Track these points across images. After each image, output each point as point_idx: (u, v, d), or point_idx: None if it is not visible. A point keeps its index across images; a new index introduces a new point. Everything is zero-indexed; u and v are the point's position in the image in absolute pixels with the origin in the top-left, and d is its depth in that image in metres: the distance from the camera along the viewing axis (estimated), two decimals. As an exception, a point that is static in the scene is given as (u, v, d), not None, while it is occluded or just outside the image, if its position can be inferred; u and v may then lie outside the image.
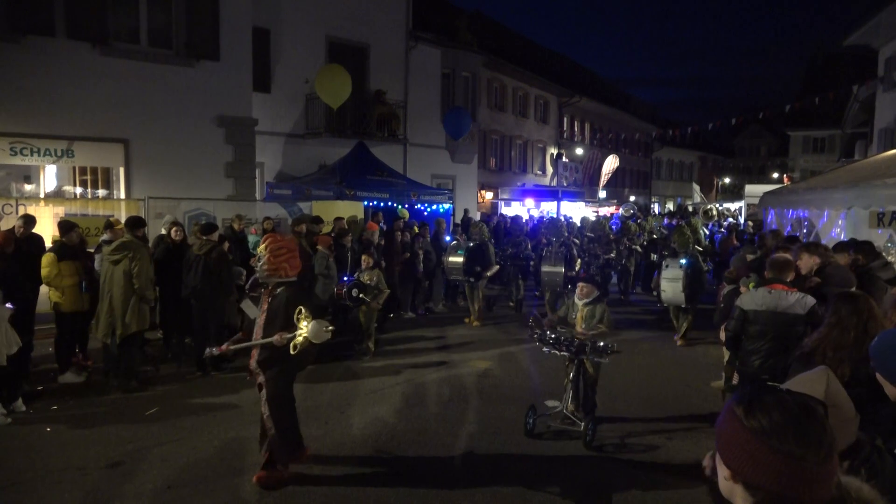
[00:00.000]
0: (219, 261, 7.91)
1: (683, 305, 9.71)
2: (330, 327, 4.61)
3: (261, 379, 4.80)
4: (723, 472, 1.41)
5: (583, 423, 5.73)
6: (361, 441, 5.79)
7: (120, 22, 11.96)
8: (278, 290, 4.78)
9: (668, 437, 6.01)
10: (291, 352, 4.55)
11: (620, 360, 8.00)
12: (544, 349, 5.96)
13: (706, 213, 21.14)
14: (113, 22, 11.79)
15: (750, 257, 7.60)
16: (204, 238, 8.00)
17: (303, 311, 4.59)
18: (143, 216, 10.33)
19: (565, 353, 5.94)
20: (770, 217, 12.25)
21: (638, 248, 14.56)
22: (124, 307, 6.95)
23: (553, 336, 5.94)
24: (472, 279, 11.24)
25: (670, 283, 9.61)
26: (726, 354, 6.81)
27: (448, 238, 12.84)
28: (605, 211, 28.09)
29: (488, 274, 11.44)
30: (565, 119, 35.31)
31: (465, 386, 7.55)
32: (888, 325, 3.76)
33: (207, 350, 5.08)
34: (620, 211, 24.46)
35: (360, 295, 8.46)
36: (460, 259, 11.14)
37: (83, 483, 4.84)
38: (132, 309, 6.99)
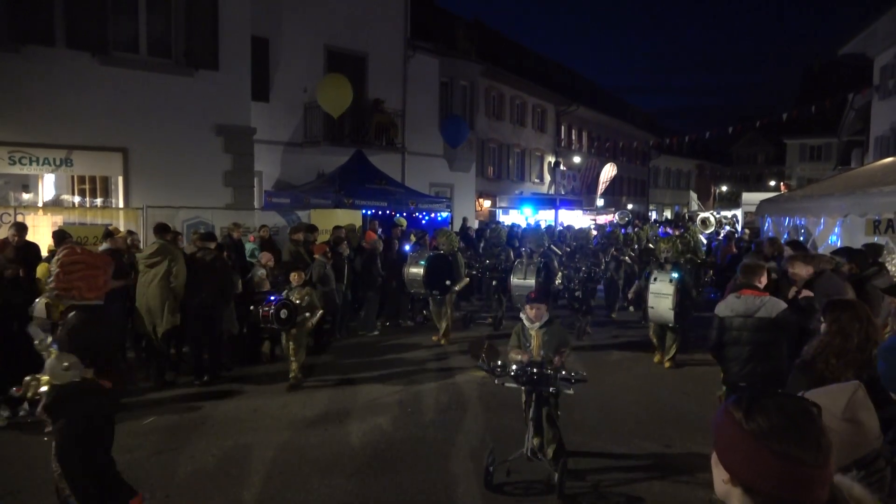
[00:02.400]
0: (218, 269, 7.96)
1: (671, 325, 8.66)
2: (66, 364, 3.52)
3: (49, 428, 3.72)
4: (721, 475, 1.41)
5: (551, 469, 4.88)
6: (360, 449, 5.78)
7: (119, 31, 12.01)
8: (70, 314, 3.79)
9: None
10: (27, 396, 3.61)
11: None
12: (496, 381, 5.07)
13: (704, 221, 21.00)
14: (112, 31, 11.83)
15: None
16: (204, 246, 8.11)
17: (41, 341, 3.59)
18: (141, 225, 10.39)
19: (522, 387, 5.01)
20: (767, 225, 12.27)
21: (627, 258, 13.22)
22: (162, 306, 7.59)
23: (507, 368, 5.01)
24: (436, 293, 10.10)
25: (658, 299, 8.51)
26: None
27: (408, 248, 11.61)
28: (603, 219, 28.12)
29: (457, 288, 10.39)
30: (563, 127, 35.42)
31: (463, 394, 7.54)
32: (889, 332, 3.77)
33: (13, 389, 3.77)
34: (615, 218, 24.43)
35: (289, 316, 7.51)
36: (421, 270, 10.05)
37: (81, 492, 4.83)
38: (168, 307, 7.63)
